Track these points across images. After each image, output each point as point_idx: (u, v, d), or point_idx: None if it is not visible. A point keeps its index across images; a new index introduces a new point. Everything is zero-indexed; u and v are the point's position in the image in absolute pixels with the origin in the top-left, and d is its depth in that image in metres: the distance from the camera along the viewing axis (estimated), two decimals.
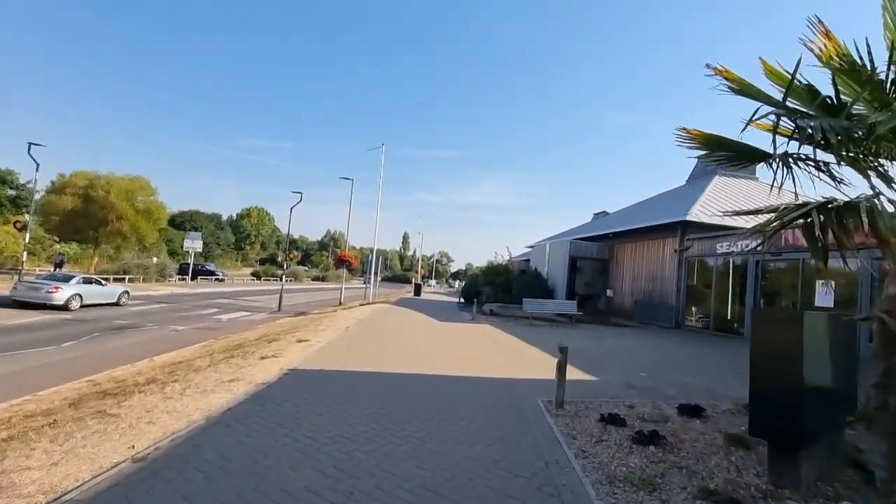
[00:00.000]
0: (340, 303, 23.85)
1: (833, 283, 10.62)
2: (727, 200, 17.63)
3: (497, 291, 20.50)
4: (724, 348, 11.39)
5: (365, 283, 39.76)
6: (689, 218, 15.24)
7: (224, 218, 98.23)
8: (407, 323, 14.00)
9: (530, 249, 30.42)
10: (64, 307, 13.46)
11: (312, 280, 57.67)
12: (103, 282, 17.07)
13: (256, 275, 49.24)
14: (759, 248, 12.78)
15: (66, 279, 14.72)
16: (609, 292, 20.34)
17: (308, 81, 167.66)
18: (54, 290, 13.40)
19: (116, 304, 15.73)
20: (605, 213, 34.56)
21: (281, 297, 20.13)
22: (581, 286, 20.69)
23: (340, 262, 27.15)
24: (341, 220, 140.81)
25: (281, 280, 23.27)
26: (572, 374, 7.34)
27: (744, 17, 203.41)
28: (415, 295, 33.24)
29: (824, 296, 10.79)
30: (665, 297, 16.42)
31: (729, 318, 13.93)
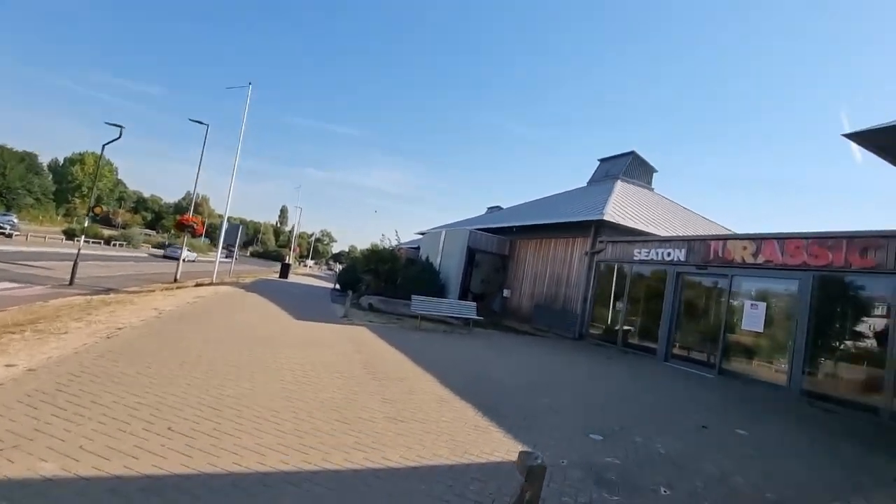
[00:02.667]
0: (176, 279, 18.11)
1: (763, 304, 9.31)
2: (635, 206, 16.52)
3: (380, 281, 16.92)
4: (665, 375, 9.51)
5: (227, 257, 32.74)
6: (605, 217, 13.47)
7: (46, 161, 77.69)
8: (246, 321, 9.69)
9: (421, 236, 27.41)
10: None
11: (154, 247, 47.24)
12: None
13: (70, 233, 37.85)
14: (683, 260, 11.37)
15: None
16: (506, 292, 18.17)
17: (184, 22, 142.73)
18: None
19: None
20: (499, 208, 33.15)
21: (75, 267, 13.94)
22: (477, 283, 18.18)
23: (181, 226, 20.87)
24: (219, 183, 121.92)
25: (79, 241, 16.52)
26: (489, 435, 4.37)
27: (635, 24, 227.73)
28: (280, 276, 27.89)
29: (752, 317, 9.46)
30: (570, 303, 14.59)
31: (641, 333, 12.42)
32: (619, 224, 13.54)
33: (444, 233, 19.82)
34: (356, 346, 8.43)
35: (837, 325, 8.33)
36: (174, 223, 21.17)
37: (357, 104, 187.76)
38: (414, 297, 12.57)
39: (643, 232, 13.76)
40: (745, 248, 9.70)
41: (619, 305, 12.97)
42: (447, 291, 17.46)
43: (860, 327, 8.02)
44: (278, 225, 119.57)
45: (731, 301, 9.92)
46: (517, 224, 18.06)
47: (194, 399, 4.37)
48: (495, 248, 18.60)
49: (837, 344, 8.24)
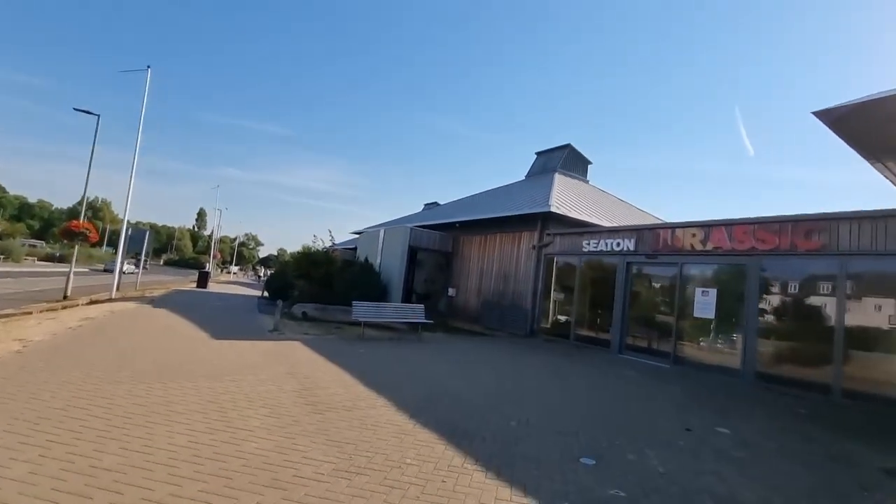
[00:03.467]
0: (66, 296, 15.25)
1: (715, 291, 9.31)
2: (576, 198, 16.46)
3: (314, 287, 15.38)
4: (624, 370, 9.13)
5: (136, 267, 28.74)
6: (552, 209, 13.10)
7: None
8: (146, 346, 7.96)
9: (358, 236, 25.90)
10: None
11: (39, 260, 40.88)
12: None
13: None
14: (632, 249, 11.22)
15: None
16: (451, 291, 17.39)
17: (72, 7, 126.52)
18: None
19: None
20: (436, 204, 32.43)
21: None
22: (420, 283, 17.22)
23: (69, 234, 17.67)
24: (124, 185, 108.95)
25: None
26: (468, 477, 3.79)
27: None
28: (198, 286, 25.00)
29: (704, 304, 9.44)
30: (519, 299, 14.10)
31: (593, 326, 12.19)
32: (566, 216, 13.25)
33: (382, 231, 18.61)
34: (290, 368, 7.12)
35: (786, 308, 8.45)
36: (60, 230, 17.95)
37: (278, 99, 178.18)
38: (355, 303, 11.34)
39: (590, 223, 13.60)
40: (693, 235, 9.67)
41: (570, 299, 12.66)
42: (389, 294, 16.33)
43: (807, 308, 8.17)
44: (196, 229, 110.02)
45: (682, 289, 9.86)
46: (460, 220, 17.34)
47: (46, 483, 2.98)
48: (438, 246, 17.75)
49: (787, 326, 8.36)
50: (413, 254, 16.96)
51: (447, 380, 7.30)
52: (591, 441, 4.82)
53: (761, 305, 8.51)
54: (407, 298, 16.31)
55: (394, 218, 28.73)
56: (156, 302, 15.57)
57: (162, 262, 77.87)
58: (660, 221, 15.86)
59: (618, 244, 11.23)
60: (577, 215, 13.61)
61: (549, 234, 13.43)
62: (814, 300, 8.07)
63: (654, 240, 10.45)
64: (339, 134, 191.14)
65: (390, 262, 17.19)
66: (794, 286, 8.35)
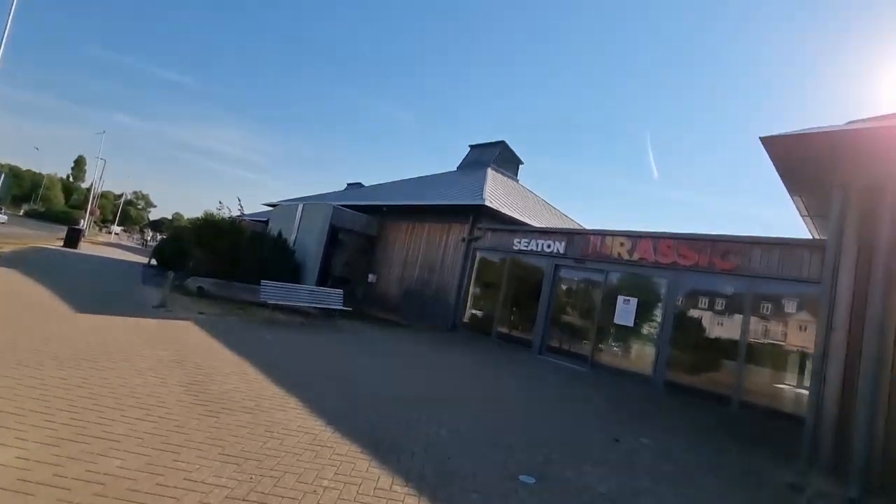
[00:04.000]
0: None
1: (636, 300, 9.65)
2: (507, 196, 16.45)
3: (215, 260, 13.55)
4: (545, 371, 9.03)
5: None
6: (487, 203, 12.83)
7: None
8: None
9: (271, 209, 23.72)
10: None
11: None
12: None
13: None
14: (562, 252, 11.31)
15: None
16: (372, 277, 16.49)
17: None
18: None
19: None
20: (360, 185, 31.01)
21: None
22: (339, 266, 16.08)
23: None
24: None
25: None
26: None
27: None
28: (67, 245, 21.14)
29: (624, 312, 9.76)
30: (444, 291, 13.69)
31: (516, 325, 12.16)
32: (500, 212, 13.07)
33: (301, 206, 17.06)
34: (176, 354, 5.89)
35: (697, 322, 8.99)
36: None
37: (191, 50, 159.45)
38: (264, 282, 10.04)
39: (522, 222, 13.57)
40: (622, 244, 9.94)
41: (496, 296, 12.52)
42: (303, 275, 15.00)
43: (716, 324, 8.75)
44: (71, 180, 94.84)
45: (606, 296, 10.12)
46: (390, 203, 16.46)
47: None
48: (362, 228, 16.70)
49: (696, 339, 8.90)
50: (334, 234, 15.75)
51: (368, 376, 6.58)
52: (526, 455, 4.45)
53: (675, 318, 8.96)
54: (322, 282, 15.10)
55: (311, 194, 26.84)
56: (4, 259, 12.63)
57: (22, 213, 65.60)
58: (586, 228, 16.45)
59: (548, 246, 11.27)
60: (509, 212, 13.51)
61: (480, 229, 13.17)
62: (722, 317, 8.68)
63: (584, 245, 10.62)
64: (251, 94, 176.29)
65: (307, 240, 15.80)
66: (706, 301, 8.91)
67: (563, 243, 11.03)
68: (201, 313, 9.23)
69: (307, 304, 10.84)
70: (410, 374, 7.35)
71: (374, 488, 3.29)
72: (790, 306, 7.89)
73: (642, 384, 8.97)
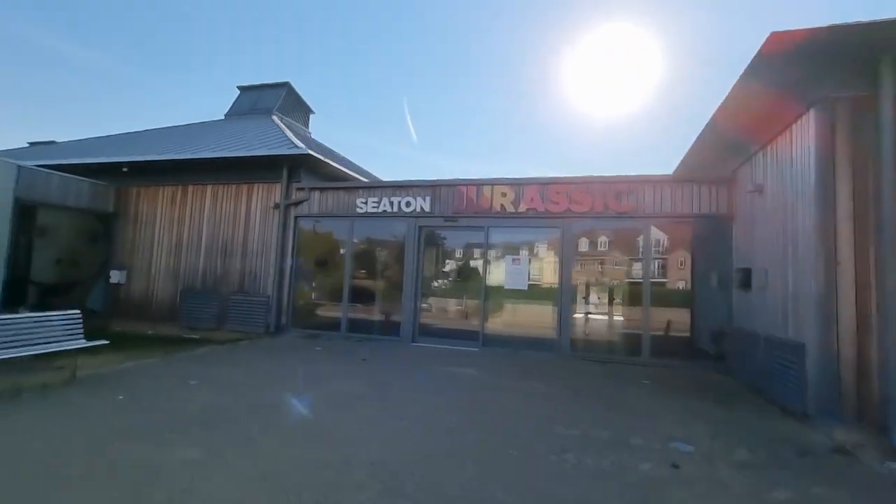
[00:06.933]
0: None
1: (528, 258, 8.30)
2: (321, 150, 12.84)
3: None
4: (432, 365, 6.56)
5: None
6: (311, 152, 9.21)
7: None
8: None
9: None
10: None
11: None
12: None
13: None
14: (427, 210, 8.94)
15: None
16: (117, 276, 10.54)
17: None
18: None
19: None
20: (53, 143, 20.79)
21: None
22: (47, 266, 9.62)
23: None
24: None
25: None
26: None
27: None
28: None
29: (515, 274, 8.31)
30: (253, 281, 9.57)
31: (374, 309, 9.33)
32: (331, 165, 9.63)
33: None
34: None
35: (599, 270, 8.28)
36: None
37: None
38: None
39: (359, 178, 10.46)
40: (504, 194, 8.30)
41: (338, 277, 9.34)
42: None
43: (630, 270, 8.17)
44: None
45: (488, 258, 8.42)
46: (135, 159, 10.56)
47: None
48: (86, 201, 10.33)
49: (597, 289, 8.20)
50: (28, 214, 9.15)
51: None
52: None
53: (567, 270, 7.99)
54: (15, 297, 8.67)
55: None
56: None
57: None
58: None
59: (408, 204, 8.75)
60: (341, 166, 10.20)
61: (301, 189, 9.50)
62: (623, 262, 8.19)
63: (455, 199, 8.56)
64: None
65: None
66: (605, 246, 8.27)
67: (427, 199, 8.71)
68: None
69: None
70: (235, 450, 3.92)
71: None
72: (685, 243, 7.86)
73: (547, 352, 7.83)
